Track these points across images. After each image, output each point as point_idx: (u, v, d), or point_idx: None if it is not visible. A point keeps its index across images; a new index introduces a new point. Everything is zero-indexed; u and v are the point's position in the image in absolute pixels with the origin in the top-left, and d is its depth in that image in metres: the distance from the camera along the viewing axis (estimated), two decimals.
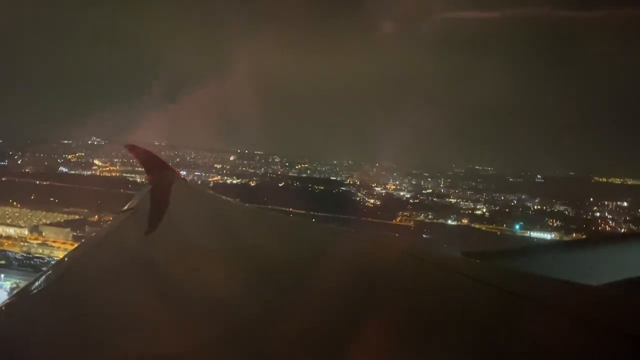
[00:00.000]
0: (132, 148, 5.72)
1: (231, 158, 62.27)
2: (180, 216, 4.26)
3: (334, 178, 53.62)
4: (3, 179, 43.30)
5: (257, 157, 62.53)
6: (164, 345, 1.87)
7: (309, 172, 57.37)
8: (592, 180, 53.73)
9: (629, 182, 52.77)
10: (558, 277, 2.63)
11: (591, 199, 42.46)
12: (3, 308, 2.36)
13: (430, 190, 47.35)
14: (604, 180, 53.78)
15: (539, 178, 54.75)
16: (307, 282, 2.52)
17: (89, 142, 58.67)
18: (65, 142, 57.99)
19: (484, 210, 40.85)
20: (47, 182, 42.13)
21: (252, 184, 48.77)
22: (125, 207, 4.45)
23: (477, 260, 3.58)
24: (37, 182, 42.10)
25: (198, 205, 5.04)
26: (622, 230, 34.57)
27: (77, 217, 37.07)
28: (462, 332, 1.83)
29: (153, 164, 5.54)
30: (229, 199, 5.60)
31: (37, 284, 2.85)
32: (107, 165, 51.75)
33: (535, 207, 41.70)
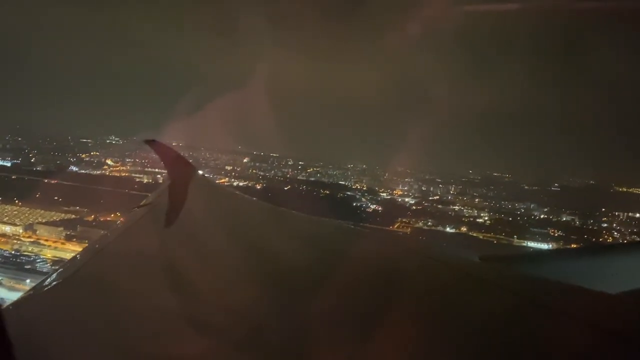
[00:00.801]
0: (152, 143, 5.67)
1: (244, 160, 62.43)
2: (198, 212, 4.22)
3: (342, 182, 53.18)
4: (13, 177, 44.48)
5: (271, 159, 62.59)
6: (183, 341, 1.88)
7: (319, 175, 57.08)
8: (612, 190, 52.34)
9: None
10: (576, 282, 2.61)
11: (603, 209, 41.00)
12: (27, 301, 2.45)
13: (438, 197, 46.50)
14: (624, 190, 52.53)
15: (555, 186, 53.52)
16: (325, 283, 2.48)
17: (107, 141, 60.12)
18: (84, 140, 59.42)
19: (486, 218, 39.92)
20: (55, 181, 42.90)
21: (258, 186, 48.73)
22: (143, 202, 4.45)
23: (494, 264, 3.57)
24: (46, 181, 42.88)
25: (217, 201, 4.99)
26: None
27: (73, 216, 37.46)
28: (474, 334, 1.84)
29: (172, 159, 5.49)
30: (248, 196, 5.60)
31: (52, 279, 2.87)
32: (118, 165, 52.48)
33: (542, 216, 40.55)
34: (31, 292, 2.79)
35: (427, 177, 52.59)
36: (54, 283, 2.81)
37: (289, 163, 61.31)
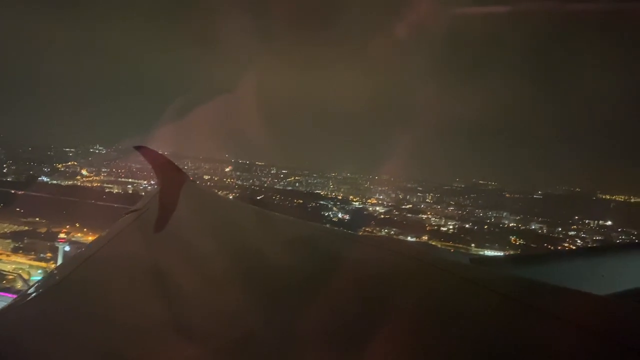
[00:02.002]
0: (141, 149, 5.57)
1: (227, 169, 62.07)
2: (189, 218, 4.17)
3: (319, 191, 52.75)
4: None
5: (254, 168, 62.09)
6: (176, 349, 1.87)
7: (297, 185, 56.68)
8: (594, 197, 51.97)
9: (632, 200, 51.01)
10: (566, 284, 2.61)
11: (576, 217, 40.19)
12: (10, 309, 2.39)
13: (410, 206, 45.93)
14: (607, 197, 52.21)
15: (538, 194, 53.06)
16: (316, 287, 2.53)
17: (90, 150, 59.76)
18: (66, 150, 59.13)
19: (451, 227, 39.27)
20: (22, 192, 42.61)
21: (231, 196, 48.37)
22: (133, 209, 4.39)
23: (484, 267, 3.55)
24: (12, 192, 42.63)
25: (209, 208, 4.95)
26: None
27: (26, 228, 36.97)
28: (465, 337, 1.85)
29: (162, 165, 5.37)
30: (242, 202, 5.40)
31: (36, 288, 2.84)
32: (92, 175, 52.22)
33: (511, 224, 39.89)
34: (13, 302, 2.64)
35: (409, 185, 52.26)
36: (39, 292, 2.75)
37: (272, 172, 60.98)
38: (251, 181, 56.64)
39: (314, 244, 3.61)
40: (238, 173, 60.73)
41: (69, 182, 49.44)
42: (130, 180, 49.81)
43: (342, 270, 2.68)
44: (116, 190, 46.93)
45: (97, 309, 2.30)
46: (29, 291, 2.85)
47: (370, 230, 37.77)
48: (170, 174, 5.18)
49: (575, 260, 4.26)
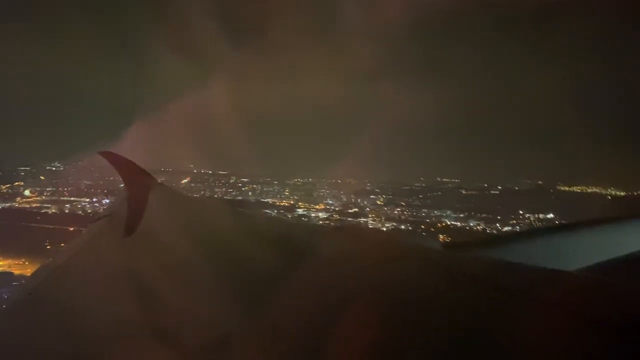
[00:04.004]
0: (106, 155, 5.60)
1: (184, 181, 60.71)
2: (160, 221, 4.13)
3: (268, 200, 51.71)
4: None
5: (212, 178, 60.69)
6: (155, 355, 1.83)
7: (250, 194, 55.55)
8: (552, 190, 51.33)
9: (588, 190, 50.42)
10: (539, 262, 2.71)
11: (520, 212, 39.09)
12: None
13: (356, 210, 44.88)
14: (566, 189, 51.74)
15: (495, 190, 52.30)
16: (290, 279, 2.46)
17: (47, 167, 57.69)
18: (21, 169, 57.18)
19: (385, 229, 38.19)
20: None
21: None
22: (101, 215, 4.40)
23: (458, 251, 3.64)
24: None
25: (179, 209, 4.95)
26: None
27: None
28: (442, 325, 1.82)
29: (128, 169, 5.42)
30: (213, 201, 5.60)
31: (13, 294, 2.93)
32: (34, 195, 50.66)
33: (449, 223, 38.82)
34: None
35: (368, 187, 51.40)
36: (7, 306, 2.68)
37: (230, 181, 59.67)
38: (202, 192, 55.22)
39: (292, 239, 3.60)
40: (193, 184, 59.45)
41: (5, 205, 47.81)
42: (72, 198, 48.52)
43: (319, 263, 2.67)
44: (52, 211, 45.47)
45: (67, 324, 2.19)
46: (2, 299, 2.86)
47: None
48: (137, 178, 5.24)
49: (549, 237, 4.36)
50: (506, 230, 36.22)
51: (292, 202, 50.04)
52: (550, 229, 5.45)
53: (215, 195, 53.58)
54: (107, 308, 2.27)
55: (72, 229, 38.79)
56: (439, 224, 38.27)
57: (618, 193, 46.86)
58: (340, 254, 2.93)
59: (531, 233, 6.25)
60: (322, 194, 51.09)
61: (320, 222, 40.80)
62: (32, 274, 3.51)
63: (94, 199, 47.77)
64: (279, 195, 52.57)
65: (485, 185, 52.81)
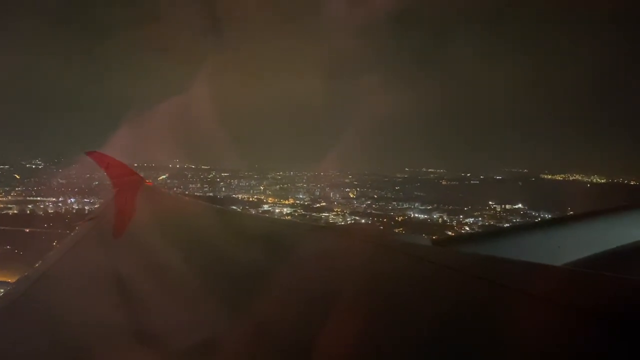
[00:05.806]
0: (93, 154, 5.66)
1: (160, 177, 59.31)
2: (149, 221, 4.02)
3: (239, 196, 50.38)
4: None
5: (190, 174, 59.18)
6: (139, 355, 1.82)
7: (224, 189, 54.14)
8: (533, 178, 49.82)
9: (571, 178, 48.98)
10: (527, 257, 2.71)
11: (490, 203, 37.38)
12: None
13: (325, 204, 43.39)
14: (548, 177, 50.32)
15: (475, 180, 50.75)
16: (278, 279, 2.45)
17: (27, 165, 55.99)
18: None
19: (346, 222, 36.73)
20: None
21: None
22: (90, 216, 4.40)
23: (447, 248, 3.61)
24: None
25: (167, 208, 4.88)
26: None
27: None
28: (433, 321, 1.81)
29: (116, 170, 5.42)
30: (200, 201, 5.82)
31: (4, 296, 2.82)
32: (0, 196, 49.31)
33: (415, 215, 37.16)
34: None
35: (346, 180, 49.93)
36: (4, 299, 2.67)
37: (209, 177, 58.22)
38: (175, 189, 53.87)
39: (279, 237, 3.56)
40: (169, 181, 57.99)
41: None
42: (38, 198, 47.20)
43: (305, 261, 2.70)
44: (12, 212, 44.21)
45: (57, 326, 2.18)
46: None
47: None
48: (125, 178, 5.22)
49: (535, 233, 4.28)
50: (489, 225, 34.59)
51: (261, 197, 48.67)
52: (536, 225, 5.30)
53: (187, 192, 52.32)
54: (96, 310, 2.24)
55: (27, 230, 37.99)
56: (398, 218, 36.64)
57: (599, 180, 45.28)
58: (325, 252, 2.92)
59: (519, 229, 6.24)
60: (298, 187, 49.80)
61: (283, 217, 39.46)
62: (21, 277, 3.41)
63: (60, 199, 46.62)
64: (251, 191, 51.17)
65: (468, 174, 51.34)
